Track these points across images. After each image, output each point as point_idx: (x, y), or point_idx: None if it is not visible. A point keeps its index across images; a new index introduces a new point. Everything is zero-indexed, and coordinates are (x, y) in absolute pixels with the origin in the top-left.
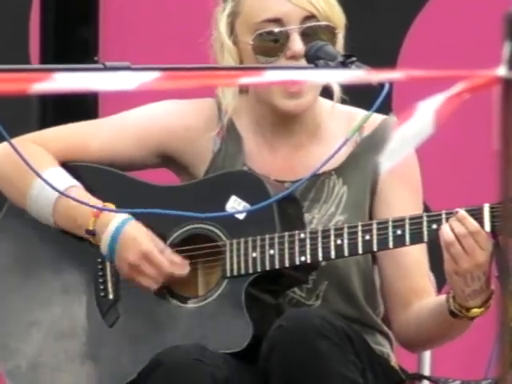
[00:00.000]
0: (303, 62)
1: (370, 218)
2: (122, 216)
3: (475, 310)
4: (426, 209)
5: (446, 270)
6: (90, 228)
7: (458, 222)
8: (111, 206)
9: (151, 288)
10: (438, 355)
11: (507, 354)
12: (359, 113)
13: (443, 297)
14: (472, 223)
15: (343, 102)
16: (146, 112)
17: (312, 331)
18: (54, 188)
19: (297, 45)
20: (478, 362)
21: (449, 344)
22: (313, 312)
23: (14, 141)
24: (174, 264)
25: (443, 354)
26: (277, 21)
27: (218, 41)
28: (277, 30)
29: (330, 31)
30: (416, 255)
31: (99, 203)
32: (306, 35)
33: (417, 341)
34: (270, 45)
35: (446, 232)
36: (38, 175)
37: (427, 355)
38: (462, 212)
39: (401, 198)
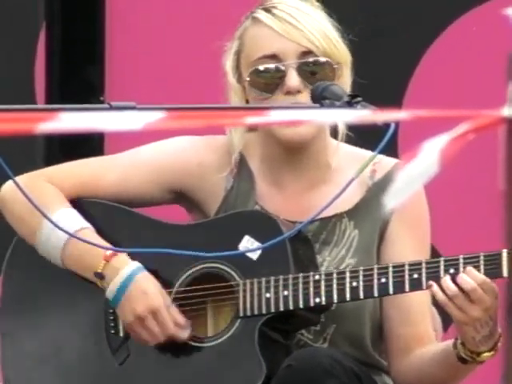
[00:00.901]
0: (301, 97)
1: (377, 262)
2: (133, 264)
3: (486, 355)
4: (433, 250)
5: (456, 321)
6: (99, 271)
7: (465, 276)
8: (123, 253)
9: (149, 343)
10: None
11: None
12: (368, 154)
13: (449, 342)
14: (476, 275)
15: (349, 142)
16: (159, 148)
17: (320, 371)
18: (64, 231)
19: (292, 80)
20: None
21: None
22: (321, 351)
23: (27, 176)
24: (178, 325)
25: None
26: (273, 57)
27: (226, 79)
28: (272, 65)
29: (329, 67)
30: (420, 300)
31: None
32: (303, 71)
33: None
34: (265, 81)
35: (448, 286)
36: (47, 218)
37: None
38: (468, 267)
39: (408, 245)
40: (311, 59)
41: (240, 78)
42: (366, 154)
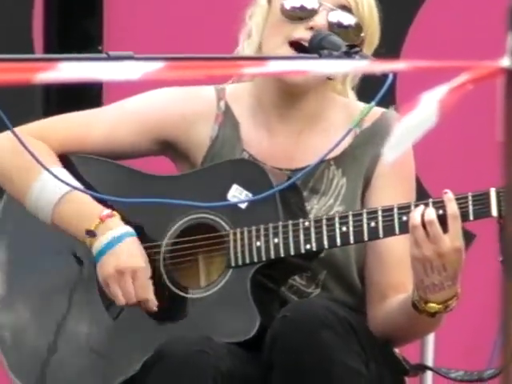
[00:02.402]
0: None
1: (360, 207)
2: (126, 228)
3: (432, 305)
4: (426, 196)
5: (410, 254)
6: (92, 229)
7: (433, 208)
8: (117, 216)
9: (117, 302)
10: (441, 345)
11: (510, 343)
12: (359, 104)
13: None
14: (452, 207)
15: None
16: (144, 100)
17: (316, 321)
18: (68, 184)
19: (321, 19)
20: (481, 351)
21: (452, 333)
22: (317, 302)
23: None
24: (151, 295)
25: (446, 343)
26: None
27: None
28: None
29: (357, 32)
30: (401, 249)
31: (103, 209)
32: (333, 20)
33: (389, 336)
34: (297, 10)
35: (414, 215)
36: (47, 169)
37: (430, 345)
38: (449, 194)
39: (393, 193)
40: (346, 14)
41: (270, 0)
42: (357, 102)
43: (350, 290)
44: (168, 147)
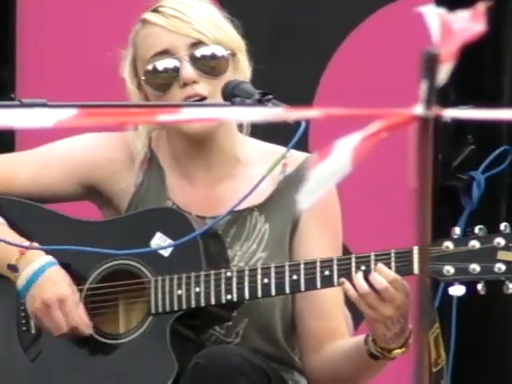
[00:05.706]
0: (199, 88)
1: (290, 256)
2: (47, 258)
3: (396, 351)
4: (344, 248)
5: (367, 319)
6: (13, 263)
7: (377, 275)
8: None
9: (52, 333)
10: None
11: None
12: (280, 149)
13: (360, 338)
14: (388, 273)
15: (257, 135)
16: (70, 144)
17: (229, 369)
18: None
19: (186, 71)
20: None
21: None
22: (230, 349)
23: None
24: (82, 320)
25: None
26: (165, 52)
27: (126, 87)
28: (164, 60)
29: (221, 54)
30: (332, 295)
31: (24, 241)
32: (197, 61)
33: (332, 382)
34: (162, 77)
35: (360, 284)
36: None
37: None
38: (379, 265)
39: (320, 240)
40: (202, 48)
41: (140, 84)
42: (276, 148)
43: (272, 341)
44: (93, 192)
